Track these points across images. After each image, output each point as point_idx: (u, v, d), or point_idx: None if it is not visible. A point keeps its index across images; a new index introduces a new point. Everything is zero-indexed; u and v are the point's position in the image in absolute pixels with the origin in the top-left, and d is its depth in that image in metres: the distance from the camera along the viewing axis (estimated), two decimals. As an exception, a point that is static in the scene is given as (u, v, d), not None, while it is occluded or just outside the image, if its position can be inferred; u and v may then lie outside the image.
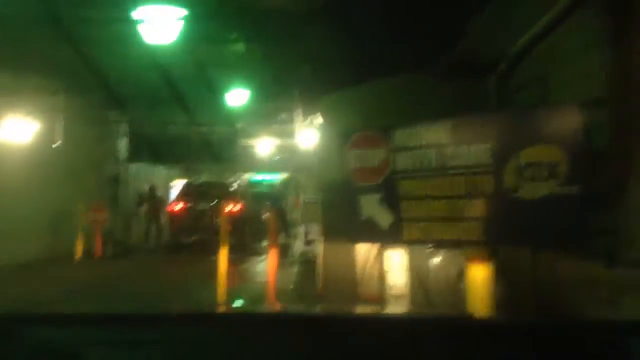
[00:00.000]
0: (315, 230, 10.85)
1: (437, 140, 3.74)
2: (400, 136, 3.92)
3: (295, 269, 9.29)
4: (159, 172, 17.04)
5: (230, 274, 7.12)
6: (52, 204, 10.78)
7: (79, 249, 10.62)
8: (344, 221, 4.50)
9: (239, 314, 1.96)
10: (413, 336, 1.34)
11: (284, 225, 15.37)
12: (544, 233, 3.33)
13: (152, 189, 14.87)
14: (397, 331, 1.40)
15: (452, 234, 3.67)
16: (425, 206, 3.78)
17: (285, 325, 1.51)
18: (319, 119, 9.52)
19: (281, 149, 16.03)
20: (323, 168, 6.59)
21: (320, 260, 6.18)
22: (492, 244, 3.55)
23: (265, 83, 10.42)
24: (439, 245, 3.85)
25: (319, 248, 6.34)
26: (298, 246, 11.01)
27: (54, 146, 10.14)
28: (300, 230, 11.25)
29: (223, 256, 7.05)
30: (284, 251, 11.95)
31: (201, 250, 11.55)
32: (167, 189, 17.72)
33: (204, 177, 15.88)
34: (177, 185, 18.09)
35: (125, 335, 1.48)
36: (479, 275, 3.59)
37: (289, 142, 14.84)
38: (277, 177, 20.73)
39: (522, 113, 3.75)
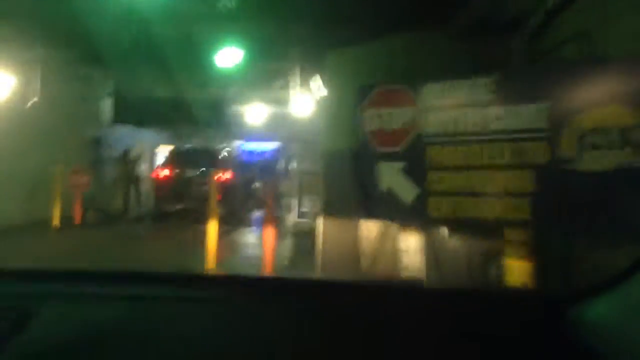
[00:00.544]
0: (310, 204, 10.26)
1: (476, 98, 3.09)
2: (431, 93, 3.26)
3: (289, 242, 8.69)
4: (144, 136, 16.25)
5: (220, 245, 6.58)
6: (28, 166, 10.03)
7: (55, 215, 9.92)
8: (354, 194, 3.88)
9: (217, 276, 1.85)
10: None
11: (276, 196, 14.77)
12: (606, 215, 2.73)
13: (126, 153, 14.08)
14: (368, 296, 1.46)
15: (490, 212, 3.06)
16: (458, 178, 3.16)
17: (270, 289, 1.52)
18: (319, 82, 8.81)
19: (274, 117, 15.28)
20: (327, 134, 5.95)
21: (319, 238, 5.58)
22: (540, 226, 2.95)
23: (260, 42, 9.64)
24: (472, 225, 3.24)
25: (318, 223, 5.73)
26: (291, 219, 10.39)
27: (29, 104, 9.34)
28: (294, 202, 10.63)
29: (212, 226, 6.49)
30: (276, 223, 11.38)
31: (187, 220, 10.95)
32: (153, 154, 16.96)
33: (192, 144, 15.09)
34: (163, 152, 17.38)
35: (84, 290, 1.43)
36: (517, 267, 3.00)
37: (282, 110, 14.13)
38: (269, 146, 20.03)
39: (588, 63, 3.07)
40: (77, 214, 10.46)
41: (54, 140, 10.76)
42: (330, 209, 5.65)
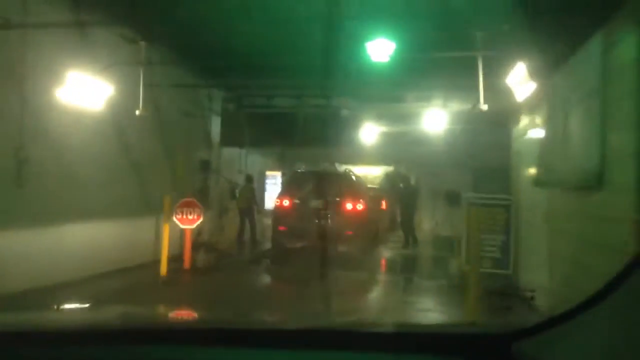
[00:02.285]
0: (495, 247, 7.56)
1: None
2: None
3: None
4: (252, 158, 14.32)
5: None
6: (127, 196, 8.18)
7: (163, 262, 7.81)
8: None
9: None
10: None
11: (411, 229, 12.16)
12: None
13: (250, 179, 12.22)
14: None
15: None
16: None
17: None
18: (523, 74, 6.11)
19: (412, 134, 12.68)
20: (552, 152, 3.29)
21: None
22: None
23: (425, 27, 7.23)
24: None
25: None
26: (464, 267, 7.72)
27: (137, 114, 7.44)
28: (461, 241, 7.91)
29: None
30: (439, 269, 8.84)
31: (316, 260, 8.58)
32: (262, 179, 15.02)
33: (306, 167, 12.89)
34: (273, 176, 15.34)
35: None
36: None
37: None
38: (378, 171, 17.54)
39: None
40: (187, 257, 8.40)
41: (157, 163, 8.90)
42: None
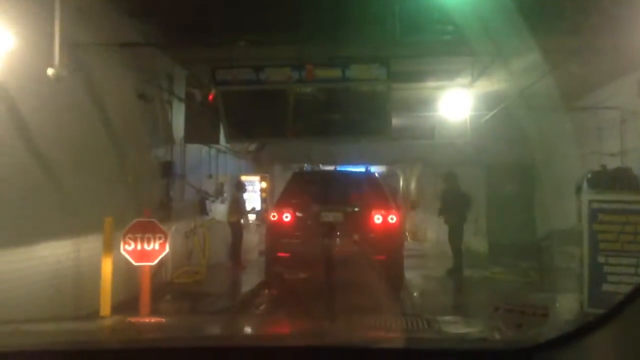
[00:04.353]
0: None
1: None
2: None
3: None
4: (224, 159, 11.25)
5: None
6: (42, 213, 5.07)
7: (104, 306, 4.83)
8: None
9: None
10: None
11: (458, 248, 9.29)
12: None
13: (241, 186, 9.89)
14: None
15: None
16: None
17: None
18: None
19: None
20: None
21: None
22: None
23: None
24: None
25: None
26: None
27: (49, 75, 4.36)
28: (582, 266, 5.15)
29: None
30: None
31: (334, 303, 5.72)
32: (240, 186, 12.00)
33: (315, 165, 9.95)
34: (250, 182, 12.23)
35: None
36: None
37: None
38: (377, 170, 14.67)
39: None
40: (145, 302, 5.31)
41: (93, 163, 5.83)
42: None
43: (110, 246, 4.93)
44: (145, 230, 5.00)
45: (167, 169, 7.90)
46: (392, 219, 6.91)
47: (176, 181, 8.36)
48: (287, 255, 6.98)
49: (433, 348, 1.62)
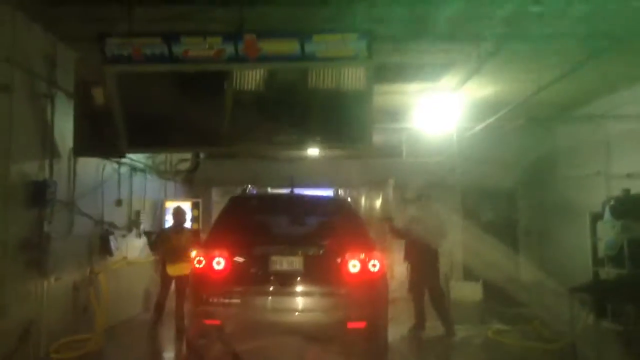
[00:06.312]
0: None
1: None
2: None
3: None
4: (141, 181, 8.71)
5: None
6: None
7: None
8: None
9: None
10: None
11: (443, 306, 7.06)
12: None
13: (179, 216, 7.52)
14: None
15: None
16: None
17: None
18: None
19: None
20: None
21: None
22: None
23: None
24: None
25: None
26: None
27: None
28: None
29: None
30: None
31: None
32: (160, 213, 9.46)
33: (260, 188, 7.56)
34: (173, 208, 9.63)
35: None
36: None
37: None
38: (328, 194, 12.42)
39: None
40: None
41: None
42: None
43: None
44: None
45: (38, 193, 5.31)
46: (374, 266, 4.65)
47: (57, 210, 5.77)
48: (217, 323, 4.54)
49: None
